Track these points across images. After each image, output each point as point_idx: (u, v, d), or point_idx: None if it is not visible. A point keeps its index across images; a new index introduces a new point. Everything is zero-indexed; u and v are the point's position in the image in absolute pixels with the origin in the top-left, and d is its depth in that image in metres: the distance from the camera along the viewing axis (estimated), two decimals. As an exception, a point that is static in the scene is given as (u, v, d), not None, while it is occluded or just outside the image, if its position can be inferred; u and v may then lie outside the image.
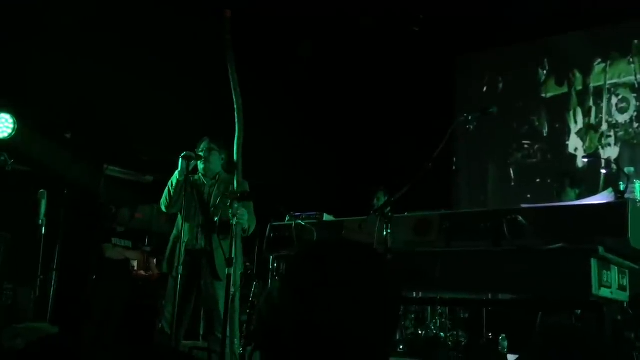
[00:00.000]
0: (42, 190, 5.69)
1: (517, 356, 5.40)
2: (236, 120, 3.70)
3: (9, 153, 5.95)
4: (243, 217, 3.98)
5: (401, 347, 5.71)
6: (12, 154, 5.98)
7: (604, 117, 7.43)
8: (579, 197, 4.96)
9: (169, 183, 4.52)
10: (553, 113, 7.84)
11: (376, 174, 7.30)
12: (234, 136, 3.77)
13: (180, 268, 4.23)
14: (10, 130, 6.60)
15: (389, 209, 3.49)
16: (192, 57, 7.04)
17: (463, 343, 5.56)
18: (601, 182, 6.73)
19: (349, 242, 1.20)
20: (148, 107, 6.77)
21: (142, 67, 6.61)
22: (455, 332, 5.63)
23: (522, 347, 5.33)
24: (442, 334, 5.59)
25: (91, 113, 6.81)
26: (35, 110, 6.61)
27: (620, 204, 3.12)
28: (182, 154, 4.43)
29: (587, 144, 7.51)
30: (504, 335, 5.51)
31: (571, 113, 7.69)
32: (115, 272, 6.67)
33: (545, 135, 7.90)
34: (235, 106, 3.71)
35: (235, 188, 3.79)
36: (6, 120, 6.59)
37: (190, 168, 4.48)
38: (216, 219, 4.34)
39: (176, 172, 4.47)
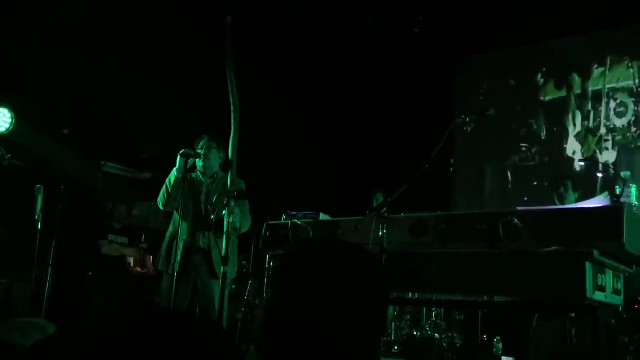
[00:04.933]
0: (38, 186, 5.67)
1: (511, 358, 5.42)
2: (232, 119, 3.72)
3: (6, 147, 5.94)
4: (236, 216, 3.97)
5: (396, 347, 5.72)
6: (10, 149, 5.97)
7: (602, 121, 7.44)
8: (577, 201, 4.97)
9: (167, 180, 4.50)
10: (551, 116, 7.85)
11: (375, 174, 7.30)
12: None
13: (177, 266, 4.22)
14: (7, 125, 6.60)
15: (385, 209, 3.50)
16: (191, 54, 7.04)
17: (458, 344, 5.58)
18: (599, 186, 6.73)
19: (338, 241, 1.20)
20: (147, 103, 6.77)
21: (141, 64, 6.61)
22: (450, 334, 5.64)
23: (516, 350, 5.35)
24: (437, 335, 5.60)
25: (89, 109, 6.80)
26: (34, 105, 6.61)
27: (616, 207, 3.12)
28: (181, 152, 4.42)
29: (585, 148, 7.52)
30: (498, 337, 5.53)
31: (569, 116, 7.70)
32: (111, 268, 6.66)
33: (543, 138, 7.91)
34: (232, 107, 3.72)
35: (229, 186, 3.78)
36: (4, 115, 6.59)
37: (189, 166, 4.47)
38: (213, 217, 4.33)
39: (174, 170, 4.45)
